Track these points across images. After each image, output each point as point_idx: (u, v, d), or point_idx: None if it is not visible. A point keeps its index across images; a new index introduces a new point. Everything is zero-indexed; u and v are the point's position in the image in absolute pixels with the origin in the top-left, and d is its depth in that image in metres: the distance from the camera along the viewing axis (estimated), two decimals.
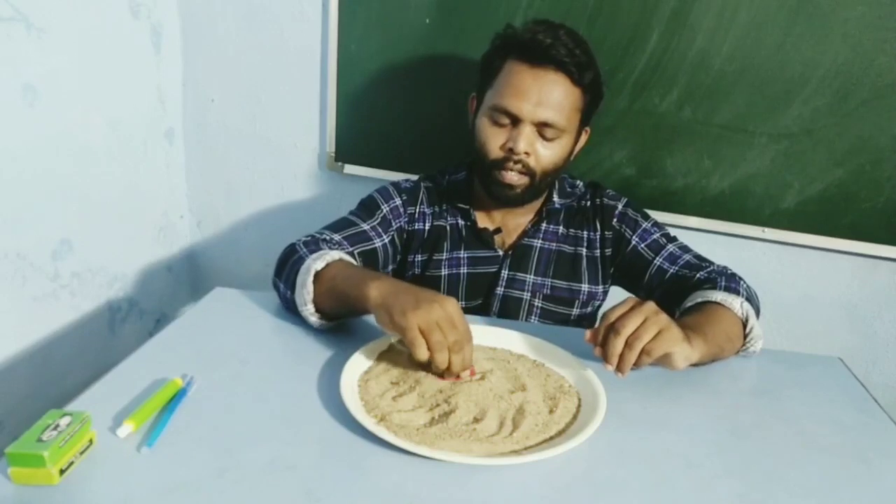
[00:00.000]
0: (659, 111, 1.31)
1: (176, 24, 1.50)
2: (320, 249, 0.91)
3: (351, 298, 0.80)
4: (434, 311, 0.72)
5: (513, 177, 0.99)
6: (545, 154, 0.99)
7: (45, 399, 1.28)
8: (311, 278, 0.84)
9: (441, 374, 0.75)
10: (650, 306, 0.75)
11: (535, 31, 0.95)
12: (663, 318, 0.75)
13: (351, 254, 0.98)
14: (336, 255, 0.88)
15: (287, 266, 0.91)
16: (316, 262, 0.85)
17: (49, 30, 1.16)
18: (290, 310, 0.91)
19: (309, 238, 0.96)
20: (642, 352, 0.73)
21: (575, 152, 1.06)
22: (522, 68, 0.96)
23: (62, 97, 1.21)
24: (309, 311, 0.85)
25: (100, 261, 1.38)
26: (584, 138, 1.07)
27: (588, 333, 0.77)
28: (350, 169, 1.51)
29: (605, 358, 0.75)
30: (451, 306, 0.74)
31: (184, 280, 1.72)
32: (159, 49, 1.47)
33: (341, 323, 0.89)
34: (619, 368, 0.74)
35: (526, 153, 0.97)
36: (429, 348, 0.72)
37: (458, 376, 0.76)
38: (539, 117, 0.95)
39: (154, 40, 1.45)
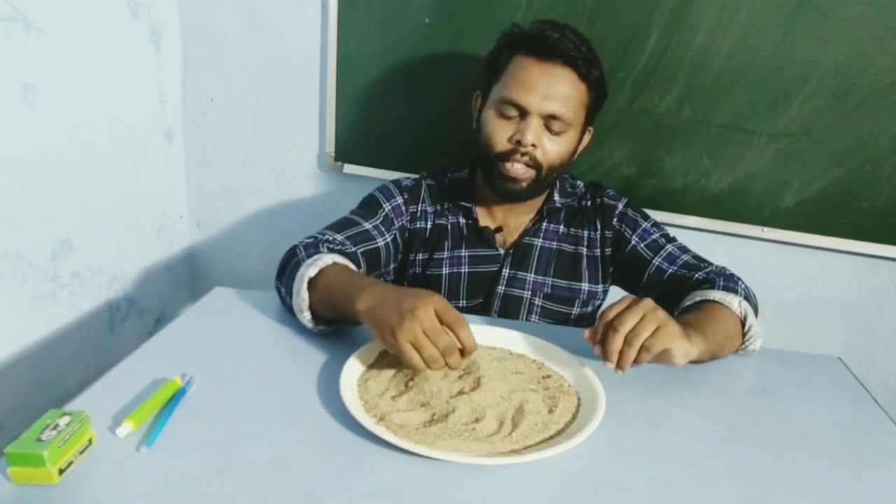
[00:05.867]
0: (658, 111, 1.31)
1: (175, 24, 1.50)
2: (318, 252, 0.90)
3: (342, 310, 0.80)
4: (418, 321, 0.70)
5: (518, 169, 0.99)
6: (552, 148, 1.00)
7: (45, 399, 1.28)
8: (304, 286, 0.83)
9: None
10: (648, 303, 0.75)
11: (541, 28, 0.97)
12: (661, 314, 0.75)
13: (354, 254, 0.98)
14: (329, 259, 0.87)
15: (287, 271, 0.91)
16: (309, 269, 0.84)
17: (48, 29, 1.16)
18: (291, 313, 0.91)
19: (311, 240, 0.96)
20: (641, 348, 0.73)
21: (578, 152, 1.06)
22: (531, 62, 0.97)
23: (62, 97, 1.21)
24: (306, 318, 0.85)
25: (99, 260, 1.38)
26: (587, 138, 1.08)
27: (587, 332, 0.77)
28: (350, 168, 1.51)
29: (604, 356, 0.75)
30: (435, 306, 0.72)
31: (183, 280, 1.72)
32: (159, 49, 1.47)
33: (339, 327, 0.89)
34: (618, 366, 0.74)
35: (533, 145, 0.98)
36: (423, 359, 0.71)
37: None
38: (547, 110, 0.96)
39: (154, 40, 1.45)
